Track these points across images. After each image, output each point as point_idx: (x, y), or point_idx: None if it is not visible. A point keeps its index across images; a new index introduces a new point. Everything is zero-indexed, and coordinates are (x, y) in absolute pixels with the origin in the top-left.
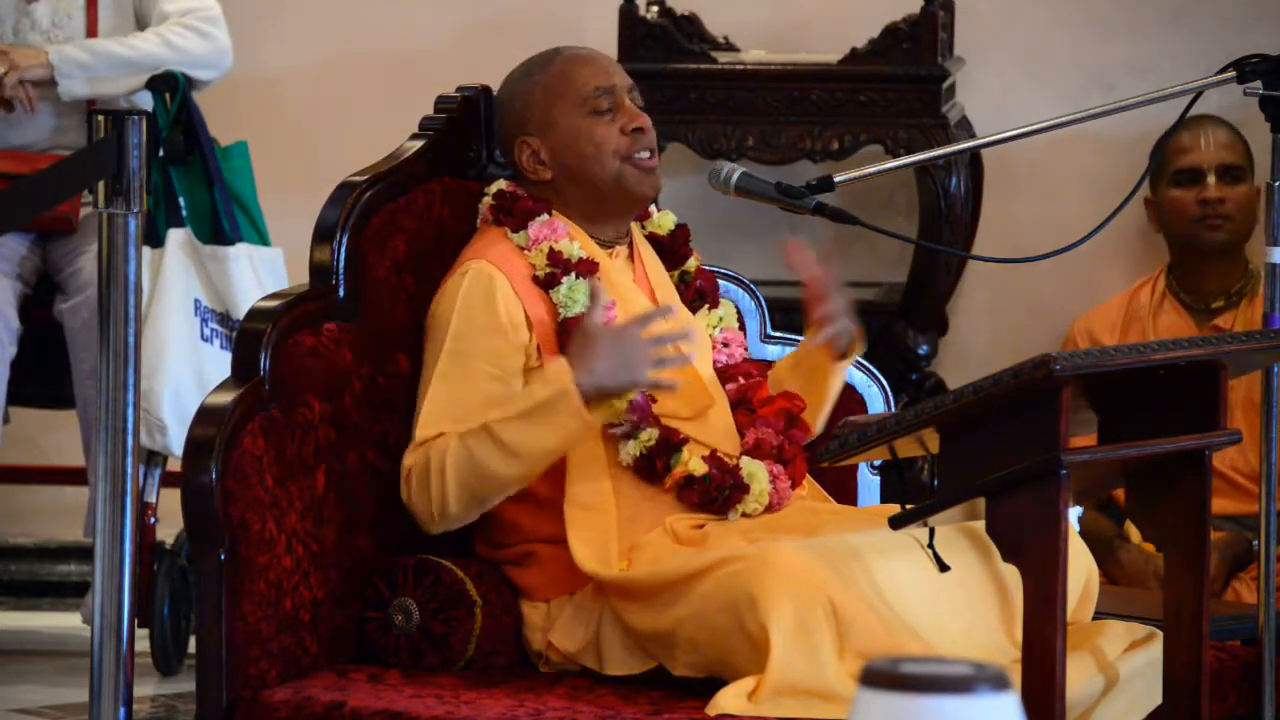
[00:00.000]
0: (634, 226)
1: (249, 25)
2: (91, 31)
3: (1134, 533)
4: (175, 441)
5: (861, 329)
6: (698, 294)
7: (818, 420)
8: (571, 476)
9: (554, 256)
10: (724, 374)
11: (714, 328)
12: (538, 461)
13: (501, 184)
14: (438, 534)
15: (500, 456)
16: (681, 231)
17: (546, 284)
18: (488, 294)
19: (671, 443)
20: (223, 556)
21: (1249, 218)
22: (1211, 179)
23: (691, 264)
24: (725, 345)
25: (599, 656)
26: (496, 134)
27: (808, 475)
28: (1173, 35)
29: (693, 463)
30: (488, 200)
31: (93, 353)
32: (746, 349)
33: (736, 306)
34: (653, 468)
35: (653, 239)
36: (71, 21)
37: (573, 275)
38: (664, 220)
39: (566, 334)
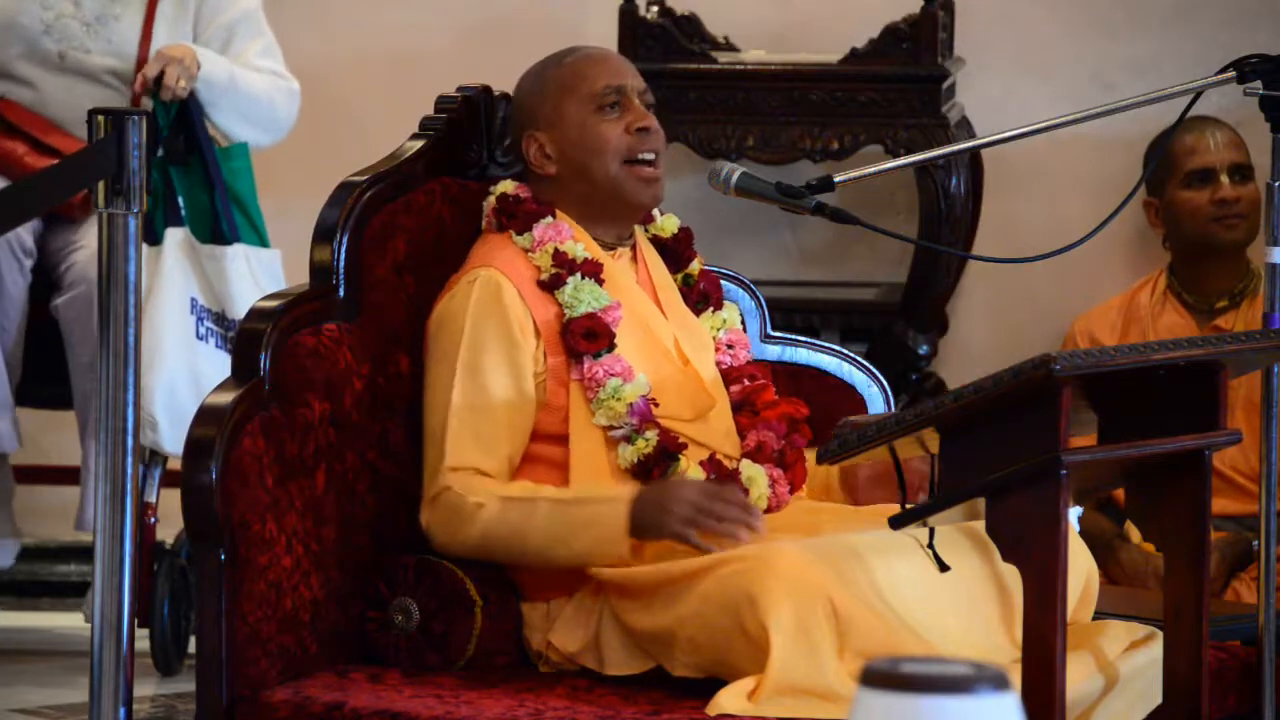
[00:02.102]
0: (637, 229)
1: None
2: (145, 37)
3: (1134, 533)
4: (166, 438)
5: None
6: (701, 296)
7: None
8: (575, 476)
9: (559, 257)
10: (728, 376)
11: (718, 330)
12: (564, 559)
13: (506, 185)
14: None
15: (534, 547)
16: (685, 235)
17: (552, 285)
18: (497, 301)
19: (669, 451)
20: (223, 556)
21: (1258, 215)
22: (1225, 178)
23: (694, 267)
24: (730, 347)
25: (599, 656)
26: (509, 128)
27: (806, 478)
28: (1173, 35)
29: (690, 471)
30: (491, 201)
31: (89, 346)
32: (750, 351)
33: (737, 306)
34: (648, 476)
35: (656, 241)
36: (119, 23)
37: (578, 276)
38: (667, 223)
39: (571, 334)
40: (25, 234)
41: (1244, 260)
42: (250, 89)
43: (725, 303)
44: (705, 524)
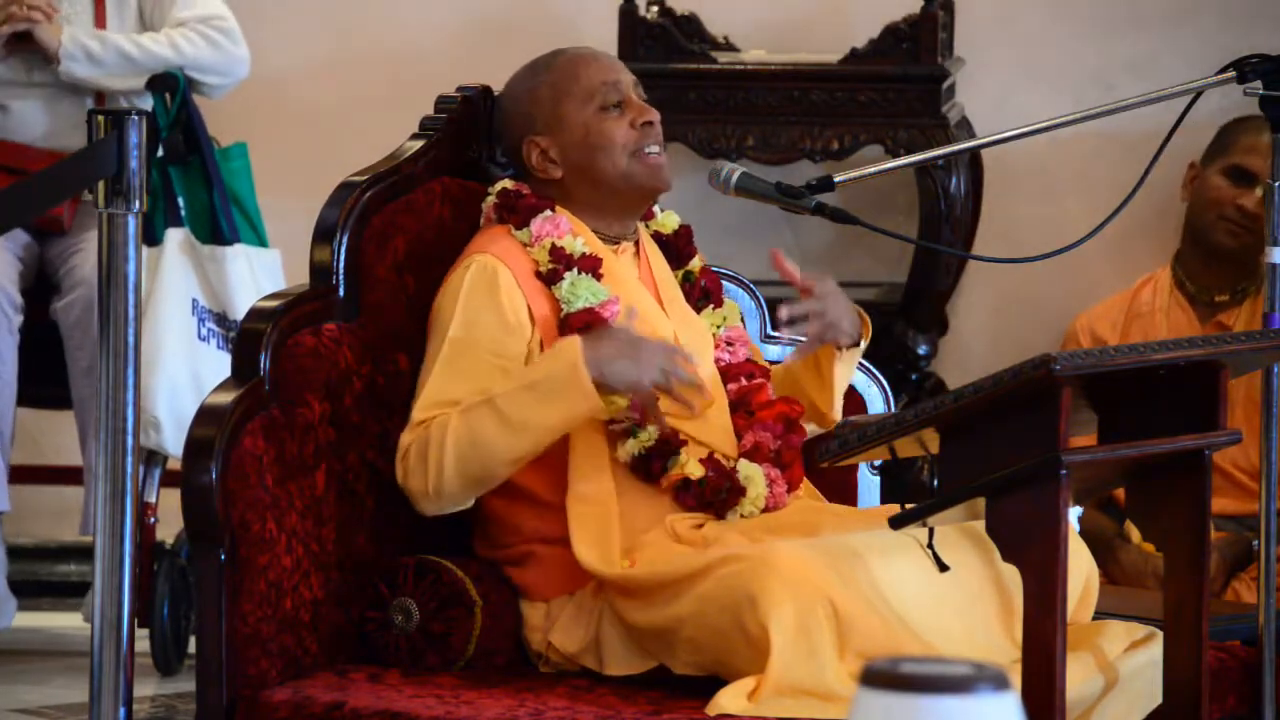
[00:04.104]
0: (640, 226)
1: (249, 25)
2: (99, 27)
3: (1134, 533)
4: (169, 440)
5: (863, 317)
6: (703, 293)
7: (831, 408)
8: (574, 474)
9: (556, 253)
10: (726, 373)
11: (718, 327)
12: (540, 438)
13: (506, 182)
14: (432, 515)
15: (502, 431)
16: (685, 231)
17: (549, 279)
18: (491, 286)
19: (670, 444)
20: (223, 556)
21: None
22: (1259, 191)
23: (695, 264)
24: (729, 344)
25: (599, 656)
26: (499, 136)
27: (804, 477)
28: (1173, 35)
29: (690, 465)
30: (491, 198)
31: (87, 350)
32: (749, 346)
33: (737, 304)
34: (649, 469)
35: (657, 238)
36: (72, 27)
37: (575, 271)
38: (668, 220)
39: (569, 329)
40: (13, 288)
41: (1252, 259)
42: (121, 54)
43: (726, 300)
44: (670, 381)
